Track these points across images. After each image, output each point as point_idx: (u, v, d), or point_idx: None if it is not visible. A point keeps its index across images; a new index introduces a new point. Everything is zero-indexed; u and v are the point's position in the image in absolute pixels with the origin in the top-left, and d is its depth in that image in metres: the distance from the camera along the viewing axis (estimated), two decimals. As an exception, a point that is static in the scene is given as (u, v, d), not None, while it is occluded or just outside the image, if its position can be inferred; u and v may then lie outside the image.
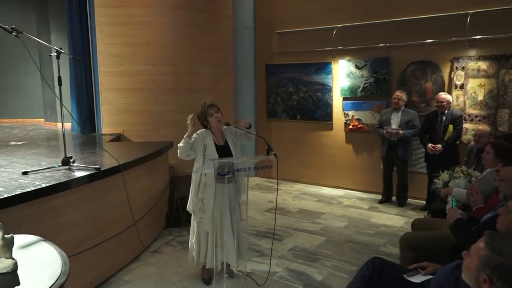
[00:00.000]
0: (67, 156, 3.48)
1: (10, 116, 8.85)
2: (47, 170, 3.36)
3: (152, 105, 5.69)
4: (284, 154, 6.34)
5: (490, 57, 5.27)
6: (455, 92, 5.55)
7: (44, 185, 2.89)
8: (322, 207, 5.85)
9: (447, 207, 2.91)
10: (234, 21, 7.02)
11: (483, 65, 5.33)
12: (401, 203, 5.83)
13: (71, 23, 5.99)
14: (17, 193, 2.69)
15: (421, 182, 5.82)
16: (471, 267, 1.64)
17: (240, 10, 7.25)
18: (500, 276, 1.52)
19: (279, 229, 4.86)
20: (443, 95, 5.32)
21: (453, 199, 3.05)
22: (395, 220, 5.25)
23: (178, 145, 3.43)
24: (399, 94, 5.63)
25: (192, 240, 3.58)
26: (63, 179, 3.08)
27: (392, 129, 5.58)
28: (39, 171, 3.32)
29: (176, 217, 4.81)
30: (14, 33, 3.10)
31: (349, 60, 6.42)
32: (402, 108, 5.65)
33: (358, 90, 6.38)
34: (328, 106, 6.76)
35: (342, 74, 6.49)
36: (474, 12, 5.30)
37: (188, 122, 3.44)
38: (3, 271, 1.57)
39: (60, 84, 3.43)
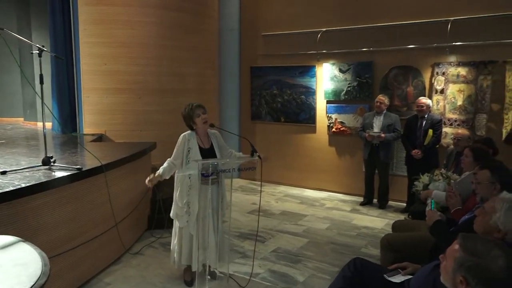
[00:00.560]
0: (48, 155, 3.42)
1: (-12, 114, 8.65)
2: (27, 170, 3.30)
3: (135, 105, 5.64)
4: (267, 156, 6.36)
5: (469, 63, 5.41)
6: (436, 97, 5.67)
7: (23, 185, 2.84)
8: (304, 209, 5.89)
9: (427, 209, 2.97)
10: (219, 23, 7.03)
11: (462, 71, 5.46)
12: (382, 205, 5.92)
13: (53, 21, 5.90)
14: (-5, 193, 2.63)
15: (401, 184, 5.92)
16: (448, 269, 1.68)
17: (226, 12, 7.26)
18: (475, 276, 1.56)
19: (262, 231, 4.87)
20: (423, 100, 5.43)
21: (432, 201, 3.11)
22: (376, 222, 5.33)
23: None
24: (381, 98, 5.73)
25: (174, 241, 3.56)
26: (43, 179, 3.03)
27: (374, 132, 5.67)
28: (18, 171, 3.25)
29: (159, 219, 4.77)
30: (-5, 30, 3.04)
31: (333, 64, 6.50)
32: (384, 112, 5.74)
33: (342, 94, 6.46)
34: (312, 109, 6.82)
35: (326, 78, 6.56)
36: (454, 19, 5.44)
37: (146, 182, 3.42)
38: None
39: (41, 82, 3.37)
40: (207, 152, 3.44)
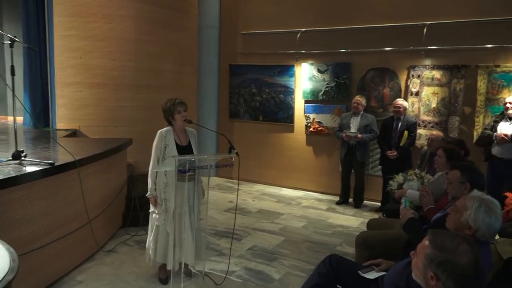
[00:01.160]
0: (18, 150, 3.31)
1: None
2: (-4, 164, 3.19)
3: (110, 100, 5.52)
4: (245, 155, 6.34)
5: (444, 67, 5.55)
6: (411, 99, 5.79)
7: (-8, 180, 2.74)
8: (281, 207, 5.91)
9: (401, 207, 3.03)
10: (199, 20, 6.97)
11: (437, 74, 5.60)
12: (358, 204, 6.01)
13: (26, 12, 5.71)
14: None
15: (377, 184, 6.02)
16: (419, 265, 1.71)
17: (206, 9, 7.21)
18: (444, 271, 1.60)
19: (238, 229, 4.86)
20: (400, 101, 5.54)
21: (406, 199, 3.19)
22: (352, 220, 5.40)
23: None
24: (358, 99, 5.80)
25: (150, 238, 3.51)
26: (13, 174, 2.93)
27: (351, 132, 5.74)
28: (-14, 165, 3.13)
29: (134, 216, 4.69)
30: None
31: (312, 64, 6.54)
32: (362, 112, 5.82)
33: (320, 94, 6.51)
34: (290, 108, 6.85)
35: (305, 77, 6.61)
36: (430, 23, 5.57)
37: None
38: None
39: (13, 74, 3.25)
40: (184, 150, 3.41)
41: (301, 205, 6.09)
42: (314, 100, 6.59)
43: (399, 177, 4.06)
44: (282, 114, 6.95)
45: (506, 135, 4.65)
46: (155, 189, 3.40)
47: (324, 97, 6.48)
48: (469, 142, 4.93)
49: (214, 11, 7.32)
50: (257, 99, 7.15)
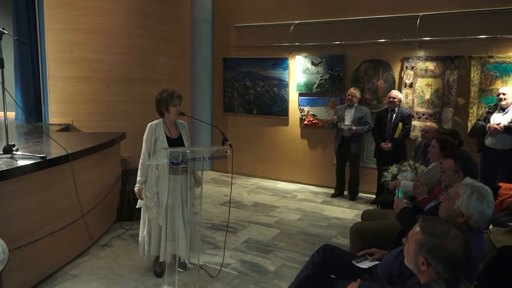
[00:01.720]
0: (10, 143, 3.27)
1: None
2: (-13, 158, 3.15)
3: (103, 95, 5.48)
4: (240, 149, 6.35)
5: (437, 58, 5.55)
6: (405, 91, 5.79)
7: (-18, 174, 2.71)
8: (276, 200, 5.91)
9: (395, 198, 3.04)
10: (192, 13, 6.92)
11: (430, 65, 5.60)
12: (353, 196, 6.02)
13: (16, 5, 5.64)
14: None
15: (371, 177, 6.03)
16: (410, 251, 1.72)
17: (199, 2, 7.15)
18: (435, 257, 1.61)
19: (233, 222, 4.86)
20: (395, 93, 5.54)
21: (400, 189, 3.19)
22: (347, 213, 5.41)
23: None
24: (353, 91, 5.80)
25: (144, 232, 3.50)
26: (4, 168, 2.90)
27: (345, 125, 5.74)
28: (-23, 159, 3.10)
29: (128, 210, 4.67)
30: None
31: (306, 57, 6.52)
32: (356, 105, 5.82)
33: (314, 86, 6.50)
34: (284, 101, 6.84)
35: (299, 70, 6.59)
36: (423, 14, 5.56)
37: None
38: None
39: (2, 67, 3.20)
40: (175, 143, 3.37)
41: (296, 198, 6.10)
42: (308, 92, 6.58)
43: (393, 169, 4.07)
44: (277, 107, 6.93)
45: (499, 125, 4.67)
46: (145, 182, 3.37)
47: (318, 89, 6.47)
48: (463, 133, 4.94)
49: (207, 5, 7.27)
50: (251, 92, 7.12)
